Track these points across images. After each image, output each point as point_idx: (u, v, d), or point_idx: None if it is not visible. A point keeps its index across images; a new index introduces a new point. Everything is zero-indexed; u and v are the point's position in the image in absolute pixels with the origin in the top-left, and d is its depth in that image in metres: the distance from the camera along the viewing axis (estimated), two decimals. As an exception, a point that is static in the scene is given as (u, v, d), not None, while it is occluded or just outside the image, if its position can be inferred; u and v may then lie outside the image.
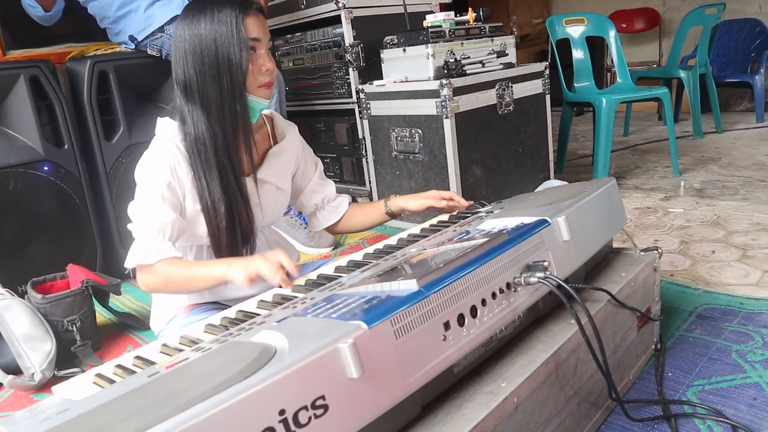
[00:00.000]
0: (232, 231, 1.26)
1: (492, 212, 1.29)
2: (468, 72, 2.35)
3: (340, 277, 1.05)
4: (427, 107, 2.29)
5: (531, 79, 2.58)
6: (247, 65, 1.20)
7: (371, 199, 2.77)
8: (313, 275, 1.13)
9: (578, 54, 3.30)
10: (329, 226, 1.54)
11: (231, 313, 1.02)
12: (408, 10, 2.63)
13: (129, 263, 1.22)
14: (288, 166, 1.44)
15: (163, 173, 1.21)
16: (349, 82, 2.70)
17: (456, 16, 2.43)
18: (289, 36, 2.99)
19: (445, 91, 2.21)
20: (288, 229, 2.36)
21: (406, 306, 0.76)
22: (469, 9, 2.45)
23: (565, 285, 0.92)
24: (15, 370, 1.54)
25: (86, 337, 1.66)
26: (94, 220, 2.18)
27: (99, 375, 0.85)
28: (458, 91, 2.25)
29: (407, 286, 0.81)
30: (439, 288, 0.81)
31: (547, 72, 2.64)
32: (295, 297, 0.97)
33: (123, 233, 2.21)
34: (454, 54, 2.35)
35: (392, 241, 1.29)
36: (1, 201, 1.96)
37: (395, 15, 2.74)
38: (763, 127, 4.10)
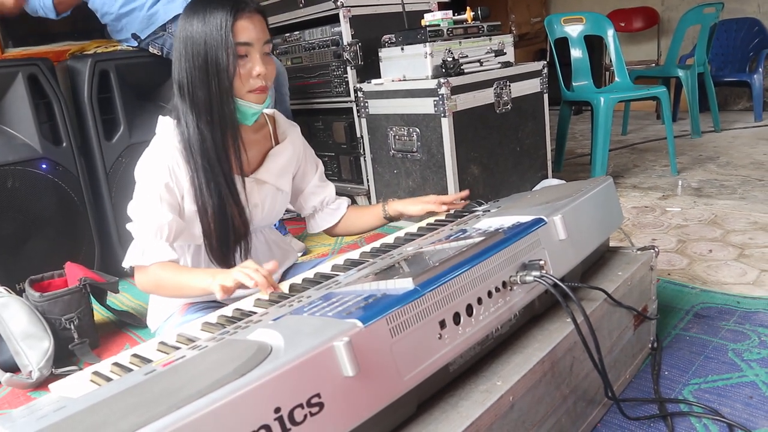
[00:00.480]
0: (224, 232, 1.26)
1: (489, 211, 1.29)
2: (466, 71, 2.35)
3: (337, 275, 1.05)
4: (424, 106, 2.29)
5: (529, 78, 2.58)
6: (234, 70, 1.17)
7: (369, 198, 2.77)
8: (310, 273, 1.13)
9: (576, 53, 3.30)
10: (327, 229, 1.54)
11: (228, 311, 1.02)
12: (406, 9, 2.63)
13: (126, 263, 1.23)
14: (288, 167, 1.44)
15: (161, 174, 1.21)
16: (347, 81, 2.70)
17: (454, 15, 2.43)
18: (287, 34, 2.99)
19: (443, 90, 2.21)
20: None
21: (401, 304, 0.76)
22: (467, 8, 2.45)
23: (561, 284, 0.93)
24: (13, 367, 1.54)
25: (84, 335, 1.66)
26: (92, 219, 2.18)
27: (96, 373, 0.85)
28: (456, 90, 2.25)
29: (403, 284, 0.81)
30: (434, 287, 0.81)
31: (545, 71, 2.65)
32: (292, 295, 0.97)
33: (121, 232, 2.21)
34: (452, 53, 2.35)
35: (389, 239, 1.30)
36: (-1, 199, 1.96)
37: (393, 14, 2.74)
38: (761, 126, 4.10)
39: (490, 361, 0.94)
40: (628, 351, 1.24)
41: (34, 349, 1.52)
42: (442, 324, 0.81)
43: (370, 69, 2.64)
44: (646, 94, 3.07)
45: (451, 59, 2.31)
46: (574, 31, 3.30)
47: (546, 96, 2.67)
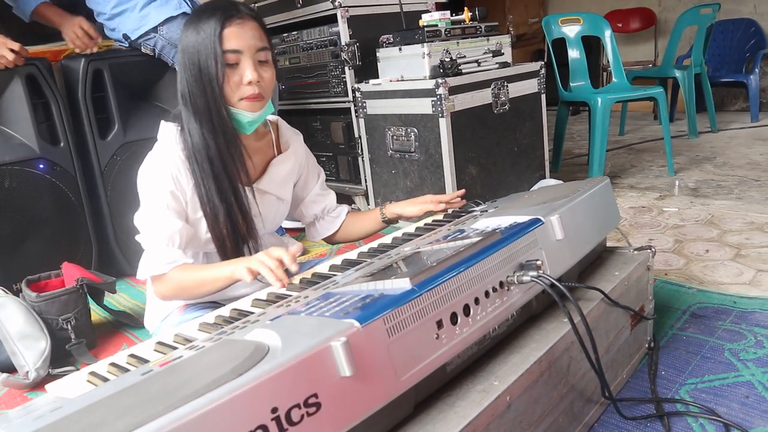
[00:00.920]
0: (234, 236, 1.26)
1: (486, 211, 1.29)
2: (464, 71, 2.35)
3: (334, 275, 1.05)
4: (422, 106, 2.29)
5: (527, 78, 2.58)
6: (222, 78, 1.17)
7: (367, 198, 2.77)
8: (308, 274, 1.13)
9: (574, 53, 3.31)
10: (327, 237, 1.53)
11: (225, 311, 1.02)
12: (404, 10, 2.63)
13: (141, 274, 1.22)
14: (290, 177, 1.43)
15: (165, 182, 1.21)
16: (345, 81, 2.70)
17: (452, 16, 2.43)
18: (285, 35, 2.99)
19: (441, 90, 2.21)
20: None
21: (399, 305, 0.76)
22: (465, 8, 2.45)
23: (558, 284, 0.93)
24: (9, 368, 1.54)
25: (81, 335, 1.66)
26: (89, 219, 2.18)
27: (93, 373, 0.85)
28: (454, 90, 2.25)
29: (400, 284, 0.81)
30: (432, 287, 0.81)
31: (543, 71, 2.65)
32: (290, 295, 0.97)
33: (118, 232, 2.21)
34: (449, 53, 2.35)
35: (387, 239, 1.30)
36: (-4, 199, 1.96)
37: (391, 14, 2.74)
38: (757, 127, 4.11)
39: (488, 361, 0.94)
40: (625, 351, 1.24)
41: (30, 349, 1.52)
42: (440, 324, 0.81)
43: (368, 69, 2.64)
44: (643, 94, 3.08)
45: (448, 59, 2.31)
46: (571, 31, 3.31)
47: (543, 96, 2.67)
